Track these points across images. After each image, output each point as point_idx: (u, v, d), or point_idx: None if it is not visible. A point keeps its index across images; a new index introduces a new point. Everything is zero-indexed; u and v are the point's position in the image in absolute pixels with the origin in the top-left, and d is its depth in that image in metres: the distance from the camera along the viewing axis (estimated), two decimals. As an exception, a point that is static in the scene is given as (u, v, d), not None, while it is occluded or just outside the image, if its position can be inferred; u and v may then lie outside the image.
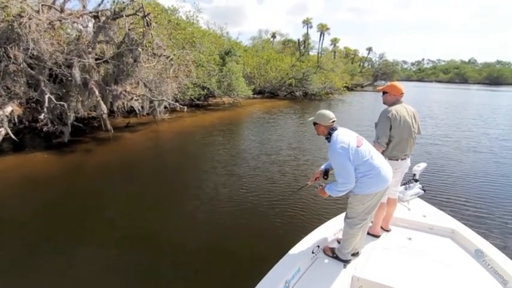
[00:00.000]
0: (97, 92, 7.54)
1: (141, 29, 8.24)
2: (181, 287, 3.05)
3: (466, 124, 13.82)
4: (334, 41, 43.37)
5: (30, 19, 6.89)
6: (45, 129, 7.27)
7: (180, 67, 9.90)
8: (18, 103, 7.22)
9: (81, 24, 8.08)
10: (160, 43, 9.25)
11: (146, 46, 8.30)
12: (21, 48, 6.88)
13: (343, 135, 2.35)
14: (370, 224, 2.94)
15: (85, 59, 7.72)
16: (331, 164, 2.49)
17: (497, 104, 26.18)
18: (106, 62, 8.37)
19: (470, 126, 13.16)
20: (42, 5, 7.36)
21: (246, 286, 2.22)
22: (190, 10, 20.27)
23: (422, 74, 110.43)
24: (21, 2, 7.00)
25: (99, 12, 8.35)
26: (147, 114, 10.07)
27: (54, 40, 7.34)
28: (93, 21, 8.58)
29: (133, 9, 8.36)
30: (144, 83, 8.76)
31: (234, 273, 3.14)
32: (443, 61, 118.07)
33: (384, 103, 2.90)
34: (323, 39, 34.64)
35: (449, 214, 3.28)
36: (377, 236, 2.93)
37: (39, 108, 7.25)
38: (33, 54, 6.98)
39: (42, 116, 7.07)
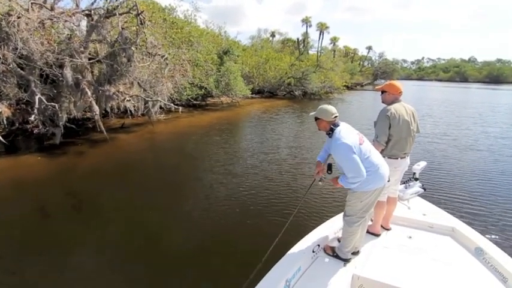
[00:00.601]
0: (89, 93, 7.33)
1: (135, 28, 8.03)
2: (181, 287, 3.02)
3: (465, 122, 13.83)
4: (334, 40, 43.24)
5: (19, 18, 6.69)
6: (35, 131, 7.08)
7: (176, 67, 9.70)
8: (7, 104, 7.02)
9: (73, 23, 7.86)
10: (155, 42, 9.05)
11: (140, 45, 8.10)
12: (10, 47, 6.68)
13: (346, 132, 2.34)
14: (370, 223, 2.95)
15: (77, 58, 7.53)
16: (334, 159, 2.42)
17: (496, 102, 26.10)
18: (99, 61, 8.18)
19: (469, 125, 13.16)
20: (32, 3, 7.16)
21: (247, 285, 2.21)
22: (188, 9, 20.04)
23: (422, 72, 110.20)
24: (9, 0, 6.80)
25: (92, 11, 8.16)
26: (142, 114, 9.87)
27: (44, 39, 7.14)
28: (86, 19, 8.39)
29: (126, 7, 8.17)
30: (138, 83, 8.55)
31: (234, 273, 3.14)
32: (443, 60, 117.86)
33: (383, 102, 2.88)
34: (322, 38, 34.46)
35: (449, 212, 3.27)
36: (377, 235, 2.92)
37: (30, 110, 7.06)
38: (22, 54, 6.79)
39: (32, 118, 6.87)
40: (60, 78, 7.29)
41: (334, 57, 39.31)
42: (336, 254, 2.56)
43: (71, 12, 8.00)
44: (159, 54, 8.74)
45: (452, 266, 2.45)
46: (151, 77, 8.99)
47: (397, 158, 2.79)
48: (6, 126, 7.14)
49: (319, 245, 2.63)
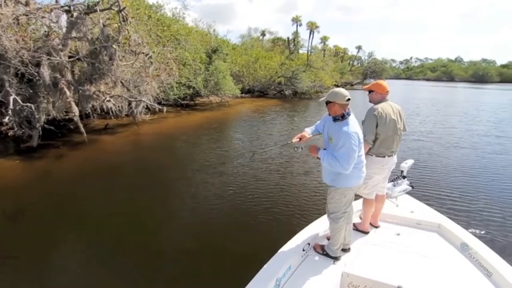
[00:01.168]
0: (68, 93, 6.99)
1: (117, 25, 7.71)
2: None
3: (451, 121, 14.17)
4: (324, 39, 43.26)
5: (-10, 13, 6.31)
6: (10, 133, 6.69)
7: (161, 65, 9.40)
8: (-21, 105, 6.63)
9: (51, 20, 7.48)
10: (139, 40, 8.74)
11: (122, 43, 7.79)
12: (-19, 45, 6.29)
13: (357, 124, 2.37)
14: (359, 221, 3.04)
15: (55, 57, 7.17)
16: (333, 141, 2.35)
17: (481, 101, 26.72)
18: (80, 60, 7.83)
19: (455, 123, 13.52)
20: (5, -2, 6.77)
21: (237, 284, 2.20)
22: (177, 7, 19.61)
23: (410, 72, 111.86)
24: (-20, -5, 6.40)
25: (72, 7, 7.80)
26: (126, 115, 9.54)
27: (19, 36, 6.75)
28: (66, 16, 8.03)
29: (108, 2, 7.84)
30: (121, 82, 8.23)
31: (225, 272, 3.14)
32: (431, 59, 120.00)
33: (370, 101, 2.91)
34: (313, 37, 34.50)
35: (435, 209, 3.34)
36: (366, 233, 2.95)
37: (4, 111, 6.67)
38: (-6, 52, 6.40)
39: (7, 119, 6.50)
40: (37, 78, 6.92)
41: (324, 56, 39.38)
42: (326, 252, 2.57)
43: (48, 8, 7.62)
44: (143, 53, 8.44)
45: (439, 262, 2.49)
46: (136, 76, 8.68)
47: (384, 157, 2.81)
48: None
49: (309, 244, 2.65)
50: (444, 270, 2.39)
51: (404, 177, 3.63)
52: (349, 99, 2.30)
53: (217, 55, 17.20)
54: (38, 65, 7.03)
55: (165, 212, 4.61)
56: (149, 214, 4.48)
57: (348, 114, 2.33)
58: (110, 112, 8.43)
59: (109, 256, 3.46)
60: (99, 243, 3.72)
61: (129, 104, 8.65)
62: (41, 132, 7.54)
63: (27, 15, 7.16)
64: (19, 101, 6.59)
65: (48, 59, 7.07)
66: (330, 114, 2.42)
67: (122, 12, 7.51)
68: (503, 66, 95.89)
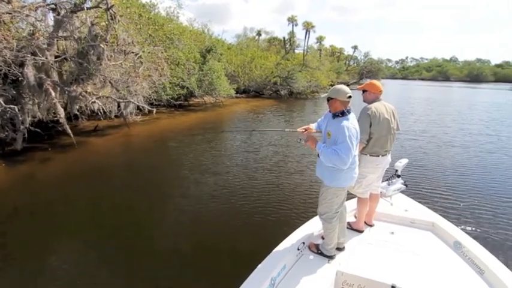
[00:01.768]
0: (53, 94, 6.73)
1: (104, 23, 7.46)
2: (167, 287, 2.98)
3: (445, 120, 14.30)
4: (320, 39, 43.11)
5: (-30, 11, 6.04)
6: (-8, 136, 6.43)
7: (152, 65, 9.16)
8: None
9: (36, 18, 7.21)
10: (130, 39, 8.50)
11: (111, 42, 7.54)
12: (-39, 44, 6.03)
13: (356, 122, 2.40)
14: (354, 220, 3.06)
15: (40, 56, 6.90)
16: (333, 137, 2.34)
17: (475, 100, 26.95)
18: (66, 60, 7.57)
19: (449, 122, 13.68)
20: (-14, -5, 6.51)
21: (232, 284, 2.20)
22: (171, 6, 19.30)
23: (406, 72, 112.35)
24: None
25: (58, 5, 7.53)
26: (116, 116, 9.29)
27: (1, 35, 6.48)
28: (52, 15, 7.76)
29: (96, 0, 7.60)
30: (110, 82, 7.98)
31: (219, 272, 3.13)
32: (426, 59, 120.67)
33: (364, 101, 2.93)
34: (308, 37, 34.21)
35: (429, 208, 3.35)
36: (361, 231, 2.96)
37: (-15, 113, 6.41)
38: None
39: (-12, 121, 6.25)
40: (20, 78, 6.65)
41: (320, 56, 39.27)
42: (320, 251, 2.57)
43: (33, 6, 7.35)
44: (133, 52, 8.20)
45: (433, 260, 2.53)
46: (125, 76, 8.43)
47: (378, 156, 2.82)
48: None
49: (304, 243, 2.65)
50: (437, 268, 2.42)
51: (398, 176, 3.67)
52: (350, 97, 2.32)
53: (211, 55, 16.96)
54: (21, 65, 6.77)
55: (157, 213, 4.53)
56: (140, 216, 4.39)
57: (348, 112, 2.34)
58: (99, 113, 8.17)
59: (98, 259, 3.38)
60: (86, 247, 3.63)
61: (118, 105, 8.39)
62: (26, 135, 7.28)
63: (10, 14, 6.89)
64: (1, 102, 6.33)
65: (34, 59, 6.81)
66: (330, 111, 2.43)
67: (110, 10, 7.27)
68: (497, 65, 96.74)
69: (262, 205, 4.67)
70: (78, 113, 7.92)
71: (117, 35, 7.59)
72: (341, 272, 2.33)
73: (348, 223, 2.95)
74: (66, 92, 7.00)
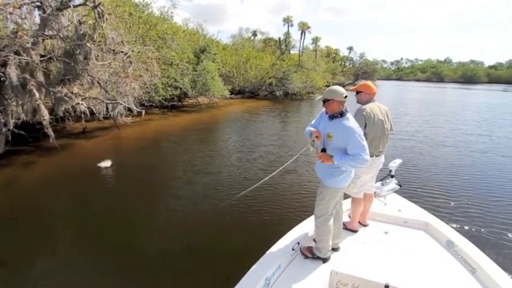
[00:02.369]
0: (37, 95, 6.46)
1: (91, 22, 7.21)
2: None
3: (438, 120, 14.49)
4: (316, 40, 43.15)
5: None
6: (-28, 139, 6.14)
7: (143, 65, 8.91)
8: None
9: (19, 16, 6.94)
10: (119, 38, 8.24)
11: (98, 41, 7.28)
12: None
13: (355, 120, 2.37)
14: (348, 219, 3.10)
15: (24, 55, 6.63)
16: (335, 140, 2.34)
17: (469, 101, 27.23)
18: (51, 59, 7.30)
19: (442, 123, 13.72)
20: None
21: (227, 284, 2.19)
22: (165, 6, 19.00)
23: (401, 73, 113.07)
24: None
25: (43, 2, 7.26)
26: (105, 118, 9.01)
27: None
28: (38, 12, 7.48)
29: (83, -2, 7.34)
30: (98, 83, 7.72)
31: (214, 272, 3.14)
32: (421, 60, 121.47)
33: (358, 102, 2.96)
34: (304, 37, 34.18)
35: (423, 207, 3.39)
36: (355, 231, 2.99)
37: (-35, 114, 6.13)
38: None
39: (-32, 124, 5.96)
40: (3, 79, 6.37)
41: (315, 57, 39.22)
42: (316, 255, 2.54)
43: (17, 3, 7.07)
44: (122, 52, 7.95)
45: (426, 259, 2.56)
46: (114, 76, 8.17)
47: (372, 156, 2.82)
48: None
49: (298, 243, 2.66)
50: (430, 268, 2.44)
51: (392, 176, 3.69)
52: (346, 96, 2.30)
53: (205, 55, 16.73)
54: (4, 64, 6.49)
55: (149, 214, 4.48)
56: (130, 217, 4.32)
57: (346, 111, 2.34)
58: (87, 115, 7.89)
59: (87, 264, 3.31)
60: (74, 252, 3.53)
61: (107, 106, 8.12)
62: (10, 138, 7.00)
63: (-8, 11, 6.60)
64: (-19, 103, 6.05)
65: (17, 58, 6.53)
66: (327, 113, 2.41)
67: (98, 8, 7.02)
68: (490, 67, 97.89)
69: (256, 205, 4.65)
70: (65, 114, 7.64)
71: (104, 33, 7.32)
72: (335, 272, 2.33)
73: (343, 223, 2.97)
74: (52, 93, 6.73)
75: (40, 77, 7.20)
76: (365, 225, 3.09)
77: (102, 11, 7.11)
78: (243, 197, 4.86)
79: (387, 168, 3.65)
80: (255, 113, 15.83)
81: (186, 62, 14.70)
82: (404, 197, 3.65)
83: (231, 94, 20.28)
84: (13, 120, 7.03)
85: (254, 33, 38.03)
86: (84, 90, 7.29)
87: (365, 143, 2.24)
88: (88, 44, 6.84)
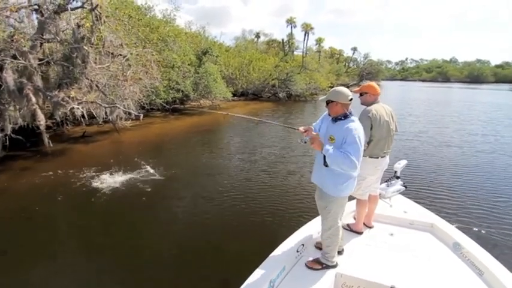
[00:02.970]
0: (34, 99, 6.35)
1: (89, 24, 7.08)
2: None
3: (444, 121, 14.37)
4: (319, 41, 42.78)
5: None
6: (-32, 144, 6.04)
7: (143, 68, 8.77)
8: None
9: (16, 19, 6.84)
10: (118, 41, 8.12)
11: (95, 44, 7.16)
12: None
13: (359, 123, 2.25)
14: (353, 221, 3.05)
15: (21, 59, 6.52)
16: (336, 142, 2.20)
17: (475, 101, 26.86)
18: (49, 63, 7.19)
19: (447, 123, 13.59)
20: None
21: (231, 286, 2.19)
22: (167, 8, 18.86)
23: (406, 73, 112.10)
24: None
25: (40, 5, 7.16)
26: (105, 122, 8.89)
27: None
28: (34, 16, 7.39)
29: (80, 0, 7.23)
30: (97, 86, 7.59)
31: (218, 274, 3.11)
32: (426, 60, 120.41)
33: (363, 103, 2.91)
34: (307, 39, 33.92)
35: (428, 209, 3.32)
36: (360, 233, 2.95)
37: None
38: None
39: (-37, 129, 5.86)
40: (-1, 83, 6.28)
41: (319, 58, 38.94)
42: (325, 264, 2.43)
43: (15, 7, 6.98)
44: (121, 55, 7.81)
45: (432, 262, 2.51)
46: (113, 80, 8.04)
47: (377, 158, 2.82)
48: None
49: (303, 245, 2.63)
50: (437, 270, 2.40)
51: (397, 177, 3.64)
52: (351, 99, 2.19)
53: (207, 57, 16.60)
54: (0, 69, 6.39)
55: (150, 217, 4.43)
56: (132, 220, 4.32)
57: (351, 114, 2.23)
58: (85, 119, 7.77)
59: (89, 269, 3.27)
60: (71, 255, 3.50)
61: (105, 110, 7.98)
62: (7, 143, 6.89)
63: (-11, 15, 6.52)
64: (-23, 109, 5.95)
65: (13, 62, 6.42)
66: (330, 115, 2.29)
67: (95, 10, 6.90)
68: (497, 66, 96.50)
69: (260, 207, 4.60)
70: (64, 119, 7.53)
71: (101, 36, 7.19)
72: (340, 274, 2.31)
73: (347, 225, 2.97)
74: (48, 97, 6.61)
75: (38, 81, 7.09)
76: (370, 227, 3.05)
77: (100, 13, 6.98)
78: (246, 199, 4.91)
79: (392, 170, 3.59)
80: (258, 114, 15.65)
81: (188, 65, 14.58)
82: (410, 198, 3.61)
83: (234, 96, 20.12)
84: (11, 125, 6.94)
85: (257, 35, 37.94)
86: (83, 94, 7.15)
87: (361, 148, 2.10)
88: (85, 47, 6.71)
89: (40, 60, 7.22)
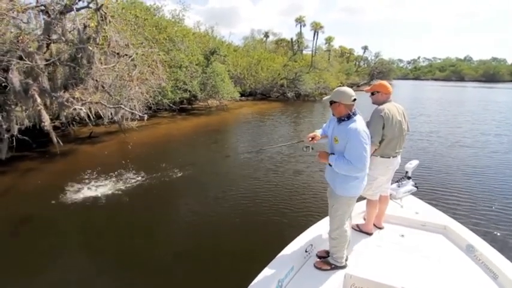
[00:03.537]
0: (39, 100, 6.31)
1: (93, 24, 7.02)
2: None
3: (457, 120, 14.03)
4: (329, 40, 42.30)
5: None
6: (-26, 145, 6.05)
7: (149, 69, 8.68)
8: None
9: (22, 20, 6.83)
10: (125, 41, 8.04)
11: (101, 44, 7.09)
12: None
13: (364, 123, 2.25)
14: (363, 222, 3.00)
15: (26, 60, 6.50)
16: (340, 144, 2.21)
17: (490, 100, 26.13)
18: (54, 64, 7.16)
19: (461, 122, 13.23)
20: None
21: (239, 286, 2.19)
22: (176, 9, 18.81)
23: (418, 72, 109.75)
24: None
25: (47, 6, 7.14)
26: (112, 122, 8.84)
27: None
28: (42, 16, 7.38)
29: (86, 1, 7.17)
30: (103, 86, 7.53)
31: (226, 274, 3.12)
32: (439, 59, 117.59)
33: (374, 103, 2.85)
34: (317, 38, 33.50)
35: (441, 210, 3.25)
36: (370, 234, 2.91)
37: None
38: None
39: (-31, 130, 5.86)
40: (4, 84, 6.26)
41: (329, 57, 38.42)
42: (334, 265, 2.43)
43: (21, 8, 6.98)
44: (126, 55, 7.73)
45: (444, 264, 2.46)
46: (120, 80, 7.97)
47: (389, 157, 2.78)
48: None
49: (312, 245, 2.60)
50: (449, 273, 2.35)
51: (409, 177, 3.57)
52: (355, 100, 2.18)
53: (215, 57, 16.48)
54: (6, 70, 6.38)
55: (160, 217, 4.45)
56: (139, 221, 4.30)
57: (354, 114, 2.21)
58: (91, 119, 7.71)
59: (97, 270, 3.26)
60: (79, 257, 3.48)
61: (111, 110, 7.93)
62: (14, 144, 6.90)
63: (-5, 16, 6.52)
64: (-17, 110, 5.95)
65: (19, 63, 6.40)
66: (333, 115, 2.31)
67: (100, 10, 6.83)
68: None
69: (269, 207, 4.59)
70: (71, 119, 7.51)
71: (106, 36, 7.12)
72: (349, 275, 2.28)
73: (357, 225, 2.94)
74: (53, 98, 6.57)
75: (45, 82, 7.07)
76: (380, 228, 3.00)
77: (105, 13, 6.91)
78: (254, 198, 4.91)
79: (403, 170, 3.52)
80: (266, 114, 15.46)
81: (196, 65, 14.49)
82: (422, 199, 3.53)
83: (242, 96, 19.97)
84: (17, 126, 6.94)
85: (266, 35, 37.75)
86: (89, 94, 7.10)
87: (367, 153, 2.09)
88: (90, 47, 6.64)
89: (47, 60, 7.21)
